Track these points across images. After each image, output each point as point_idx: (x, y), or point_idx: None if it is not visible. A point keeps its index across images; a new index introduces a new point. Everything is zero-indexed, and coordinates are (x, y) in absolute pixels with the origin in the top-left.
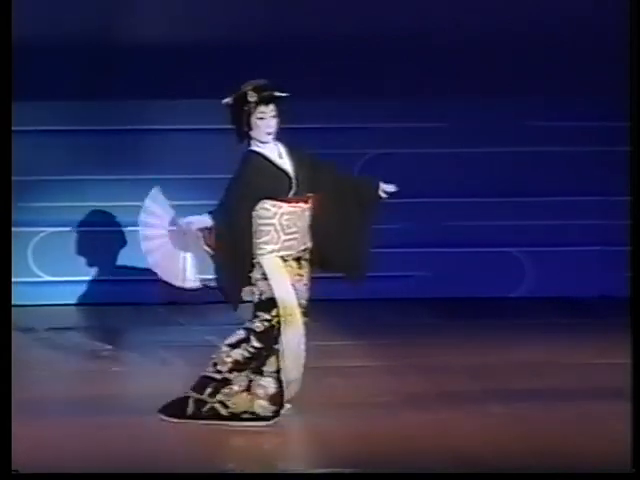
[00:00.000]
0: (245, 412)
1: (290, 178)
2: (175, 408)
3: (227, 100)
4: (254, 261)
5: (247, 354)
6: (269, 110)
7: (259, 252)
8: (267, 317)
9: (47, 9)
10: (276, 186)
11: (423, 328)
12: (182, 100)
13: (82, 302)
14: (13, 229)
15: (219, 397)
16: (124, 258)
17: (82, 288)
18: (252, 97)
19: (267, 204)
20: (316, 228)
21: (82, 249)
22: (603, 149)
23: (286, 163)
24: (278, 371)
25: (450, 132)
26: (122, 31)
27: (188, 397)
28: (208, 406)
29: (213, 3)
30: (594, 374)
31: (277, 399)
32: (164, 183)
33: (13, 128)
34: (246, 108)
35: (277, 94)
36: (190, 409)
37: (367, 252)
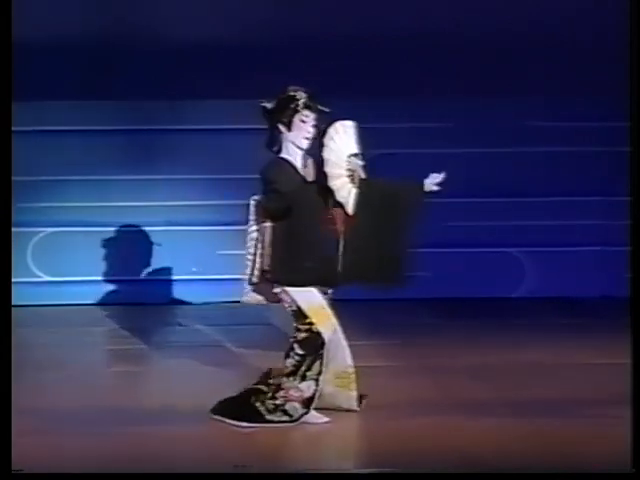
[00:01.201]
0: (275, 411)
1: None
2: (232, 411)
3: (267, 103)
4: (266, 276)
5: (294, 362)
6: (312, 117)
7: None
8: (304, 327)
9: (47, 9)
10: (301, 199)
11: (423, 328)
12: (183, 100)
13: (81, 302)
14: (13, 229)
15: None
16: (124, 258)
17: (81, 288)
18: (301, 98)
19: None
20: (348, 244)
21: (82, 249)
22: (603, 149)
23: (311, 176)
24: (319, 374)
25: (450, 132)
26: (122, 30)
27: (242, 399)
28: (254, 405)
29: (217, 3)
30: (594, 374)
31: (309, 402)
32: (165, 183)
33: (13, 128)
34: (292, 106)
35: (322, 108)
36: (240, 409)
37: (405, 256)
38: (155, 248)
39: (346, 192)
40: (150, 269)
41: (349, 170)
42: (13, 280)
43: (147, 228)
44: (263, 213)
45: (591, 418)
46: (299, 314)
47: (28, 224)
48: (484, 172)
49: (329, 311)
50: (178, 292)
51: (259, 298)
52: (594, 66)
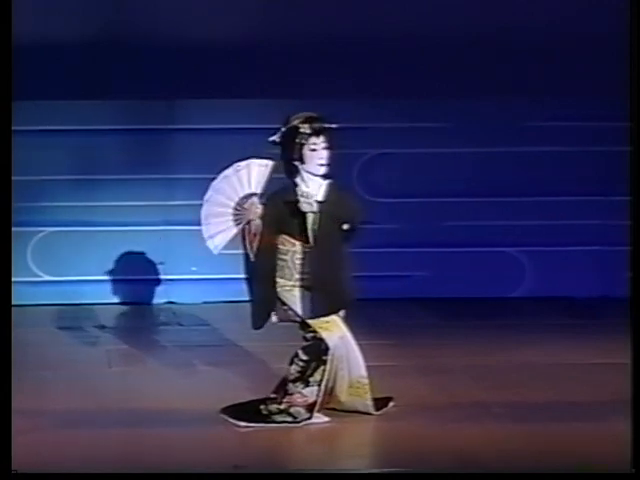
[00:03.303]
0: (280, 413)
1: (305, 218)
2: (237, 411)
3: (274, 137)
4: (277, 296)
5: (298, 367)
6: (320, 141)
7: (277, 286)
8: (309, 335)
9: (47, 9)
10: (295, 223)
11: (423, 328)
12: (183, 100)
13: (81, 302)
14: (13, 229)
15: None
16: (124, 258)
17: (81, 288)
18: (304, 129)
19: (284, 238)
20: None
21: (82, 249)
22: (603, 149)
23: (314, 203)
24: (322, 379)
25: (450, 132)
26: (122, 30)
27: (252, 402)
28: (258, 408)
29: (216, 3)
30: (594, 374)
31: (312, 407)
32: (165, 183)
33: (13, 128)
34: (298, 140)
35: (328, 125)
36: (248, 413)
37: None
38: (154, 248)
39: (216, 230)
40: (150, 269)
41: (238, 209)
42: (13, 280)
43: (147, 228)
44: None
45: (591, 418)
46: (303, 325)
47: (28, 224)
48: (484, 172)
49: (334, 318)
50: (178, 292)
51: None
52: (594, 66)
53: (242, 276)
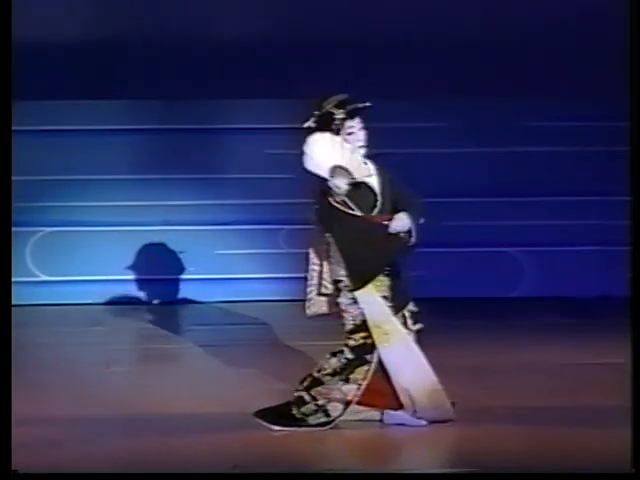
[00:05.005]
0: (315, 413)
1: (376, 195)
2: (271, 414)
3: (309, 123)
4: (340, 285)
5: (340, 364)
6: (356, 123)
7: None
8: (361, 341)
9: (47, 9)
10: (363, 203)
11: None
12: (183, 100)
13: (80, 302)
14: (12, 229)
15: (311, 392)
16: (124, 258)
17: (81, 288)
18: (339, 114)
19: None
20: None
21: (81, 249)
22: (603, 149)
23: (373, 180)
24: (364, 379)
25: (450, 132)
26: (121, 30)
27: (285, 404)
28: (291, 412)
29: (218, 3)
30: (594, 374)
31: (348, 405)
32: (165, 183)
33: (13, 128)
34: (334, 126)
35: (361, 105)
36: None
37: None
38: (154, 248)
39: None
40: (149, 269)
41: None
42: (13, 280)
43: (146, 228)
44: (319, 222)
45: (591, 419)
46: (362, 328)
47: (27, 224)
48: (483, 172)
49: (395, 326)
50: (177, 292)
51: (324, 308)
52: (594, 66)
53: (244, 276)
